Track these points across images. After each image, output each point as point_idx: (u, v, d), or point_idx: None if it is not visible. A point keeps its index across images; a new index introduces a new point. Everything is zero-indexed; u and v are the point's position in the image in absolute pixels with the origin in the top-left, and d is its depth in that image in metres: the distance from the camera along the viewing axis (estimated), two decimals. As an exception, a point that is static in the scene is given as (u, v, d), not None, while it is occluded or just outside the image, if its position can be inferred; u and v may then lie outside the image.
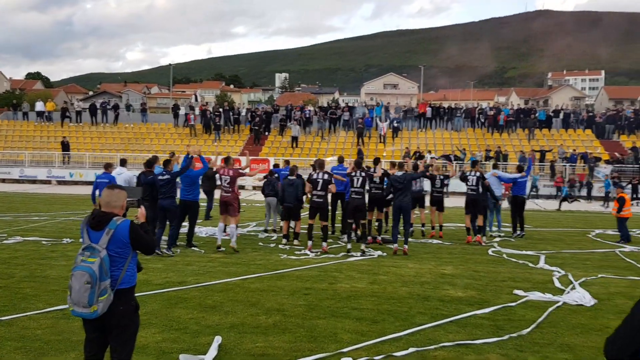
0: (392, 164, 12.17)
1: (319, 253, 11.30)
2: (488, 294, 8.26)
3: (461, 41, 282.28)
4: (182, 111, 36.82)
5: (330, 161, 15.39)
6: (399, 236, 11.45)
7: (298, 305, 7.46)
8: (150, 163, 11.27)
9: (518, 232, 14.31)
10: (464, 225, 13.86)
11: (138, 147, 33.72)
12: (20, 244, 11.92)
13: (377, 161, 12.79)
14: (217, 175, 13.25)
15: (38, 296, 7.70)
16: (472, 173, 13.18)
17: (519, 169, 14.57)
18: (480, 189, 13.02)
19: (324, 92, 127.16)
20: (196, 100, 38.83)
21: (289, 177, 12.24)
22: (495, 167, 14.65)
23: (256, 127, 33.07)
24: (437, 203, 14.02)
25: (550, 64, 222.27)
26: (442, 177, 13.97)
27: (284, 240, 12.29)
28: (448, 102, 68.02)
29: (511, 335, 6.35)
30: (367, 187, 11.81)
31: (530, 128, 32.20)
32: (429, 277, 9.32)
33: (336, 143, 33.60)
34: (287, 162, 15.12)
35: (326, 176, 11.36)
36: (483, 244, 12.83)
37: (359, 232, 12.24)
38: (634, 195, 25.23)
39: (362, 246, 11.28)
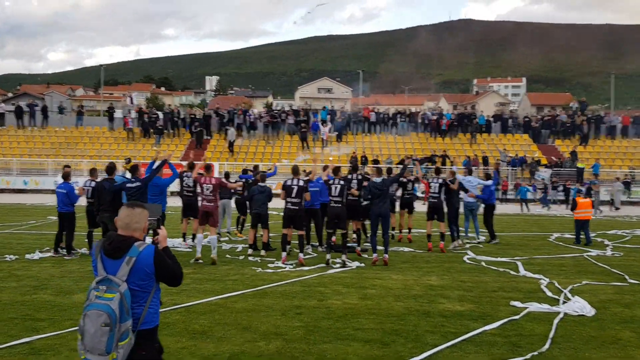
0: (379, 170, 11.66)
1: (294, 265, 10.70)
2: (486, 307, 7.97)
3: (389, 47, 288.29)
4: (117, 114, 34.96)
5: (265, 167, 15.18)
6: (378, 246, 11.03)
7: (295, 327, 6.86)
8: (110, 170, 10.25)
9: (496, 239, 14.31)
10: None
11: (71, 152, 31.69)
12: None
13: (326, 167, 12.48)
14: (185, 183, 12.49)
15: (-5, 327, 6.67)
16: (435, 180, 12.97)
17: (487, 176, 14.55)
18: (443, 196, 12.82)
19: (257, 95, 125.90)
20: (132, 102, 36.95)
21: (260, 183, 11.57)
22: (470, 172, 14.59)
23: (199, 130, 31.84)
24: (407, 205, 13.81)
25: (472, 71, 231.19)
26: (412, 179, 13.76)
27: (250, 251, 11.62)
28: (382, 106, 68.75)
29: (533, 353, 6.05)
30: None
31: (472, 132, 32.85)
32: (418, 290, 8.94)
33: (281, 147, 32.97)
34: (256, 167, 14.39)
35: (301, 183, 10.78)
36: (445, 251, 12.67)
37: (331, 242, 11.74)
38: (567, 199, 25.88)
39: (343, 257, 10.76)
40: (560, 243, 14.58)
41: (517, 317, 7.42)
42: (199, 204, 11.38)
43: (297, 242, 11.06)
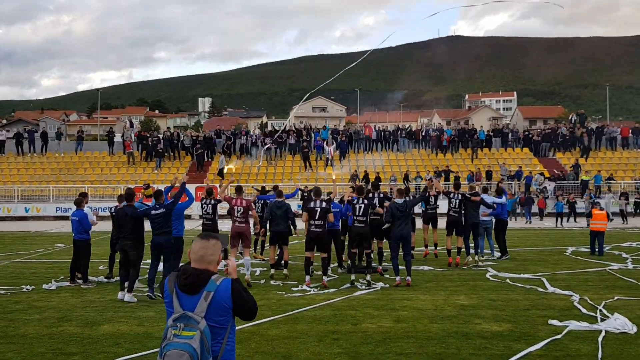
0: (400, 191, 11.49)
1: (318, 288, 10.52)
2: (524, 326, 7.83)
3: (379, 65, 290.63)
4: (117, 138, 34.80)
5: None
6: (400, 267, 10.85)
7: (337, 354, 6.69)
8: (130, 196, 10.04)
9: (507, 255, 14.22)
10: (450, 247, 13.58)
11: (71, 177, 31.44)
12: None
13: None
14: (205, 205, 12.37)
15: (27, 363, 6.46)
16: (455, 195, 12.88)
17: (498, 191, 14.50)
18: (463, 211, 12.74)
19: (251, 115, 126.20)
20: (131, 126, 36.78)
21: (277, 199, 11.44)
22: (485, 190, 14.52)
23: (199, 152, 31.71)
24: (432, 220, 13.73)
25: (463, 86, 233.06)
26: (435, 194, 13.69)
27: (272, 270, 11.44)
28: (376, 124, 68.83)
29: (587, 375, 5.90)
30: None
31: (473, 148, 32.92)
32: (450, 310, 8.78)
33: (283, 167, 32.87)
34: (275, 187, 14.29)
35: (324, 204, 10.63)
36: (464, 267, 12.62)
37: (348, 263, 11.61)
38: (572, 212, 25.80)
39: (368, 277, 10.60)
40: (578, 257, 14.47)
41: (559, 336, 7.28)
42: (231, 225, 11.22)
43: (321, 264, 10.90)
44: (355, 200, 10.72)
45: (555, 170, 31.01)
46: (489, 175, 28.39)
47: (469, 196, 12.73)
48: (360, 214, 10.58)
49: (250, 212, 11.23)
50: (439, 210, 14.32)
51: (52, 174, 31.94)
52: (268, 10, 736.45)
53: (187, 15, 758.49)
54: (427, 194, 13.05)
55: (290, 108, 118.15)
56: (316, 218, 10.55)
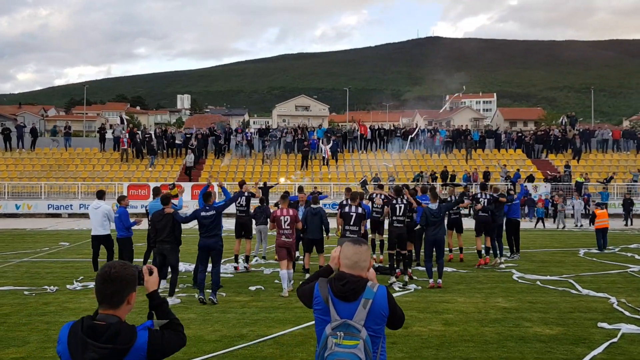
0: (428, 191, 11.48)
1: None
2: (575, 329, 7.86)
3: (359, 64, 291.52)
4: (108, 134, 34.14)
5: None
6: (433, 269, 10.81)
7: (400, 358, 6.61)
8: (167, 199, 9.69)
9: (516, 255, 14.32)
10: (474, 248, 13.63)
11: (62, 174, 30.74)
12: (-6, 296, 10.04)
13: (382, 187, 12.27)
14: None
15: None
16: (484, 195, 12.90)
17: (509, 192, 14.61)
18: (494, 210, 12.78)
19: (233, 114, 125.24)
20: (122, 122, 36.11)
21: (312, 205, 11.25)
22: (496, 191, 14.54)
23: (194, 149, 31.31)
24: (456, 224, 13.70)
25: (441, 86, 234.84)
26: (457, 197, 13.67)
27: (307, 275, 11.26)
28: (371, 123, 68.92)
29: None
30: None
31: (468, 149, 33.14)
32: (495, 313, 8.77)
33: (279, 166, 32.66)
34: (300, 188, 14.09)
35: (359, 210, 10.45)
36: (495, 266, 12.70)
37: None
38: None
39: (406, 278, 10.53)
40: (594, 259, 14.61)
41: (615, 339, 7.31)
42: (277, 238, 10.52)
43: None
44: (395, 201, 10.62)
45: (548, 172, 31.38)
46: (486, 176, 28.58)
47: (497, 197, 12.79)
48: (401, 213, 10.49)
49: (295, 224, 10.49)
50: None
51: (43, 170, 31.19)
52: (250, 7, 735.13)
53: (168, 12, 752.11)
54: (464, 199, 13.00)
55: (273, 106, 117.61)
56: (351, 223, 10.41)
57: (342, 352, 3.06)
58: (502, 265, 13.05)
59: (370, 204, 12.51)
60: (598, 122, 77.21)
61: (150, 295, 2.98)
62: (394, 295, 9.90)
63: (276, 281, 11.35)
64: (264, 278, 11.82)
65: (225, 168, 32.16)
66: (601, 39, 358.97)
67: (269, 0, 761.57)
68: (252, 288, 10.61)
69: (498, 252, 13.19)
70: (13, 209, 27.66)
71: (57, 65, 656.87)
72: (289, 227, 10.23)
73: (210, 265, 9.62)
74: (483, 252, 13.13)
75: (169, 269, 9.74)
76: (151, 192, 10.44)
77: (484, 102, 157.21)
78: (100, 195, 11.81)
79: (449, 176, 29.12)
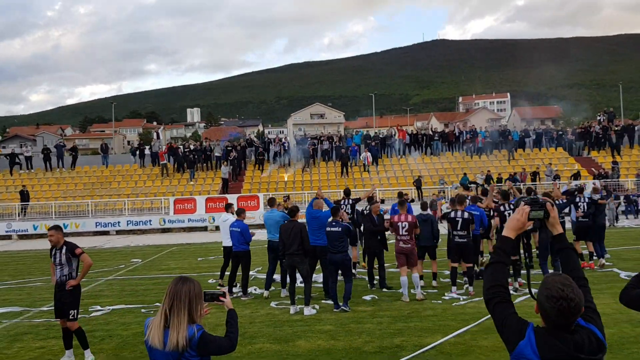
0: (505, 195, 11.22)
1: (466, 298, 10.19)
2: None
3: (365, 71, 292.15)
4: (146, 150, 34.20)
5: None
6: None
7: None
8: (293, 212, 9.60)
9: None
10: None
11: (105, 192, 30.77)
12: (109, 314, 10.04)
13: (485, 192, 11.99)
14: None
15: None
16: (582, 199, 12.60)
17: (595, 192, 14.25)
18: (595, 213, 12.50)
19: (247, 124, 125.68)
20: (158, 137, 36.25)
21: (422, 212, 11.03)
22: (581, 191, 14.26)
23: (234, 161, 31.28)
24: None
25: (449, 89, 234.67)
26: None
27: (421, 282, 11.02)
28: (372, 129, 68.55)
29: None
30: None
31: (510, 149, 32.86)
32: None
33: (319, 174, 32.50)
34: (400, 194, 13.81)
35: (466, 215, 10.25)
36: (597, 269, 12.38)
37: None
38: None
39: (516, 285, 10.28)
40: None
41: None
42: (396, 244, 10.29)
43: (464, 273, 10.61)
44: (453, 214, 10.32)
45: (592, 169, 30.99)
46: (535, 176, 28.30)
47: (597, 199, 12.52)
48: (460, 228, 10.21)
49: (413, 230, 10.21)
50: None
51: (85, 189, 31.22)
52: (257, 20, 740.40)
53: (177, 28, 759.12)
54: (576, 198, 12.67)
55: (282, 116, 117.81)
56: (459, 228, 10.21)
57: None
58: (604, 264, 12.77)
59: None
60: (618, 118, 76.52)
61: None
62: (462, 303, 9.70)
63: (384, 289, 11.13)
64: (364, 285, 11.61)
65: (267, 179, 32.03)
66: (609, 34, 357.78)
67: (276, 13, 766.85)
68: (367, 298, 10.41)
69: (600, 252, 12.89)
70: (61, 228, 27.59)
71: (69, 85, 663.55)
72: (406, 232, 10.01)
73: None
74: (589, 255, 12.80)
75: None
76: (266, 203, 10.37)
77: (497, 102, 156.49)
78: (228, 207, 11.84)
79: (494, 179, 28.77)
